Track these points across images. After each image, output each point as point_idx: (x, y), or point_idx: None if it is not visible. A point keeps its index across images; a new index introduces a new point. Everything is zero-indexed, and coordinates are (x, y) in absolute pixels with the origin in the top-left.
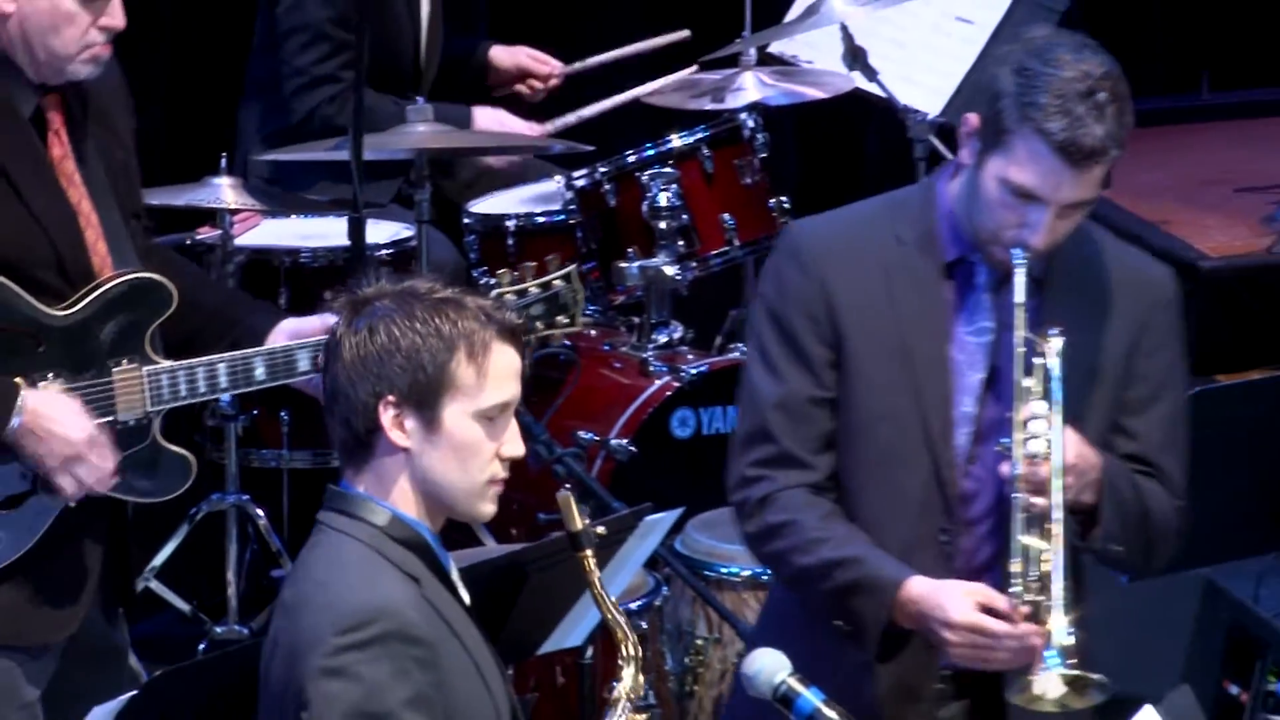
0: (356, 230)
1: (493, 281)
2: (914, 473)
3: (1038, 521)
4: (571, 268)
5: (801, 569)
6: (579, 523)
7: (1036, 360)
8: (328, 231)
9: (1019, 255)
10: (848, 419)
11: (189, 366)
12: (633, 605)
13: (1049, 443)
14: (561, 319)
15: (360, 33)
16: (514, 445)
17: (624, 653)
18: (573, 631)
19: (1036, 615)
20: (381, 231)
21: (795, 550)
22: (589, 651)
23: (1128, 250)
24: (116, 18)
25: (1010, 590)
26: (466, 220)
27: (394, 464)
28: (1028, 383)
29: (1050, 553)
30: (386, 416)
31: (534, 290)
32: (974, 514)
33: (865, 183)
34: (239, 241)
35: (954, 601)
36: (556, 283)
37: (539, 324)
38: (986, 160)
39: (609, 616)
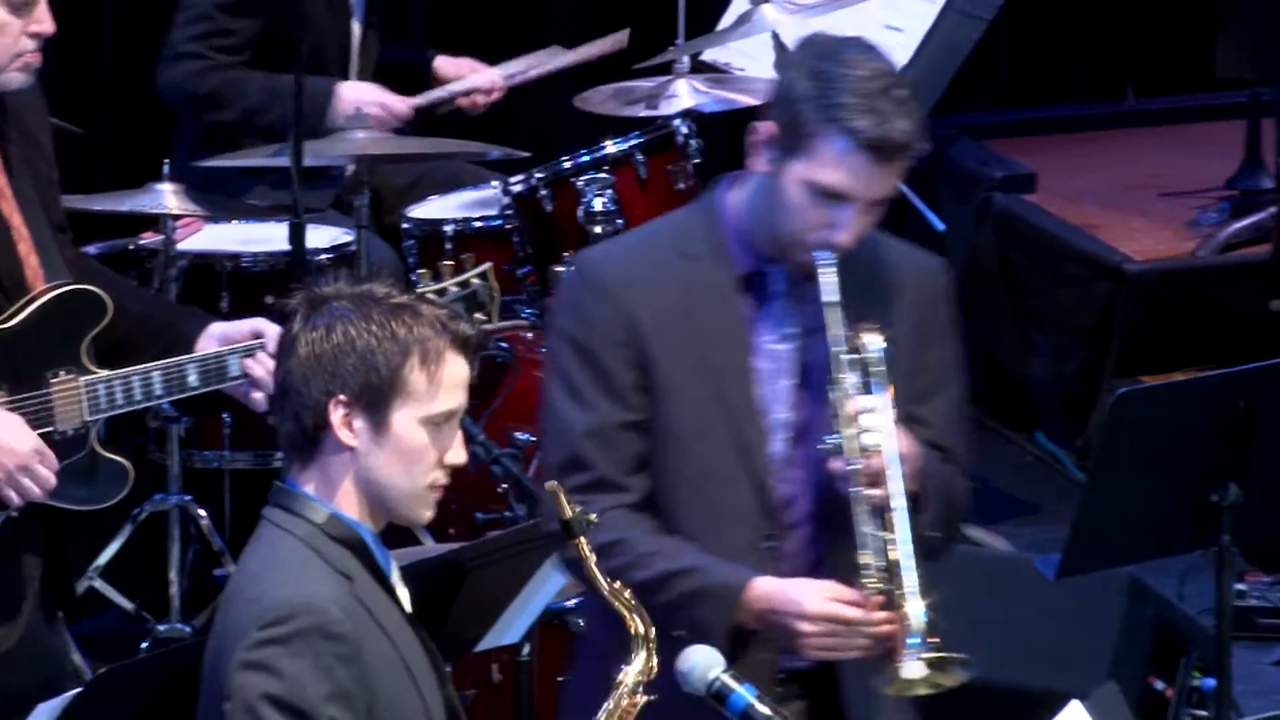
0: (297, 235)
1: (414, 278)
2: (732, 485)
3: (879, 512)
4: (487, 266)
5: (639, 584)
6: (569, 511)
7: (853, 356)
8: (269, 236)
9: (826, 256)
10: (662, 439)
11: (125, 376)
12: (569, 603)
13: (882, 434)
14: (479, 316)
15: (297, 43)
16: (457, 453)
17: (633, 633)
18: (510, 629)
19: (890, 603)
20: (321, 236)
21: (629, 567)
22: (526, 649)
23: (901, 244)
24: (46, 23)
25: (862, 581)
26: (405, 225)
27: (339, 463)
28: (850, 378)
29: (896, 541)
30: (336, 415)
31: (453, 289)
32: (796, 518)
33: None
34: (181, 246)
35: (807, 594)
36: (474, 281)
37: None
38: (787, 165)
39: (615, 597)
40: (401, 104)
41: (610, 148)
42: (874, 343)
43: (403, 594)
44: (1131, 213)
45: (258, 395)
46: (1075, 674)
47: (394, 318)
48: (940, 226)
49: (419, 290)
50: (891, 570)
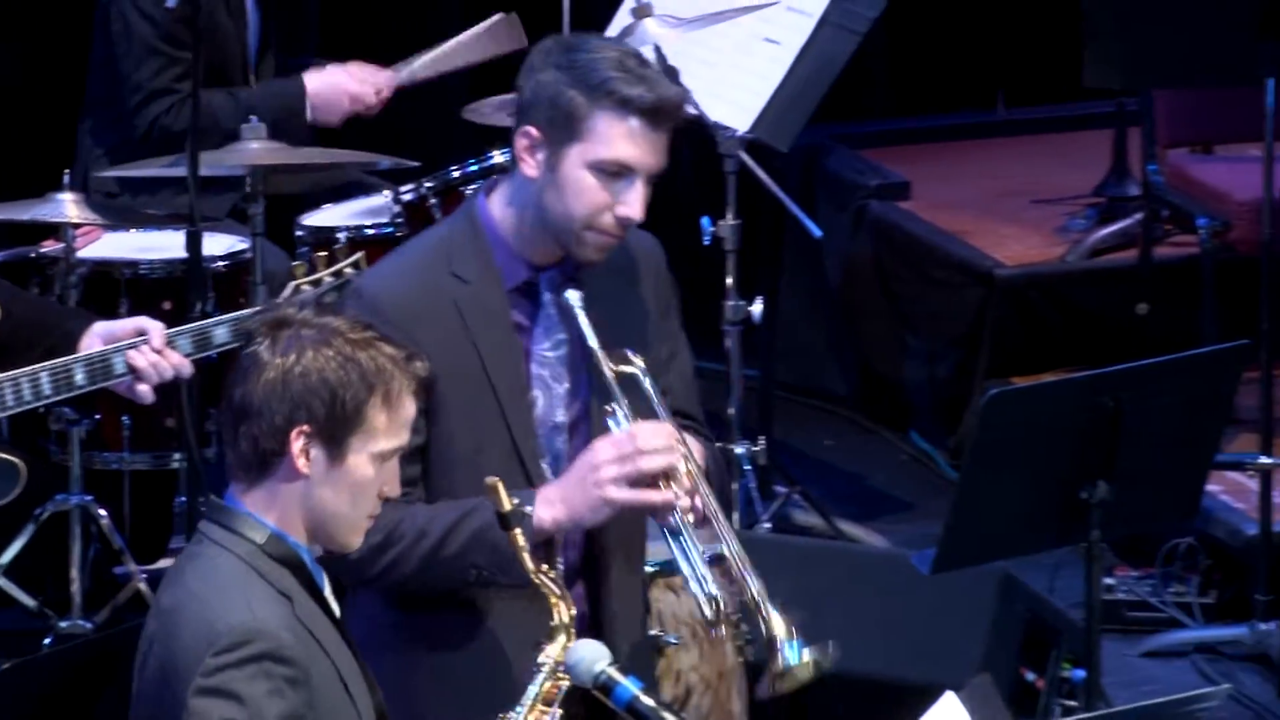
0: (193, 243)
1: (291, 266)
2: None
3: (702, 522)
4: (359, 254)
5: (425, 553)
6: (508, 504)
7: (622, 372)
8: (167, 244)
9: (577, 299)
10: (448, 454)
11: (14, 378)
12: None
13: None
14: None
15: (196, 52)
16: (394, 486)
17: (556, 619)
18: None
19: (750, 612)
20: (218, 244)
21: (412, 545)
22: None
23: None
24: None
25: (707, 595)
26: (299, 233)
27: (289, 489)
28: (622, 408)
29: (730, 549)
30: (297, 444)
31: (328, 279)
32: None
33: (679, 195)
34: (81, 254)
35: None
36: (348, 270)
37: None
38: (564, 155)
39: (542, 583)
40: (372, 92)
41: (498, 157)
42: (636, 366)
43: (334, 604)
44: (1002, 219)
45: (143, 388)
46: (950, 666)
47: (362, 353)
48: (817, 233)
49: (293, 284)
50: (732, 572)
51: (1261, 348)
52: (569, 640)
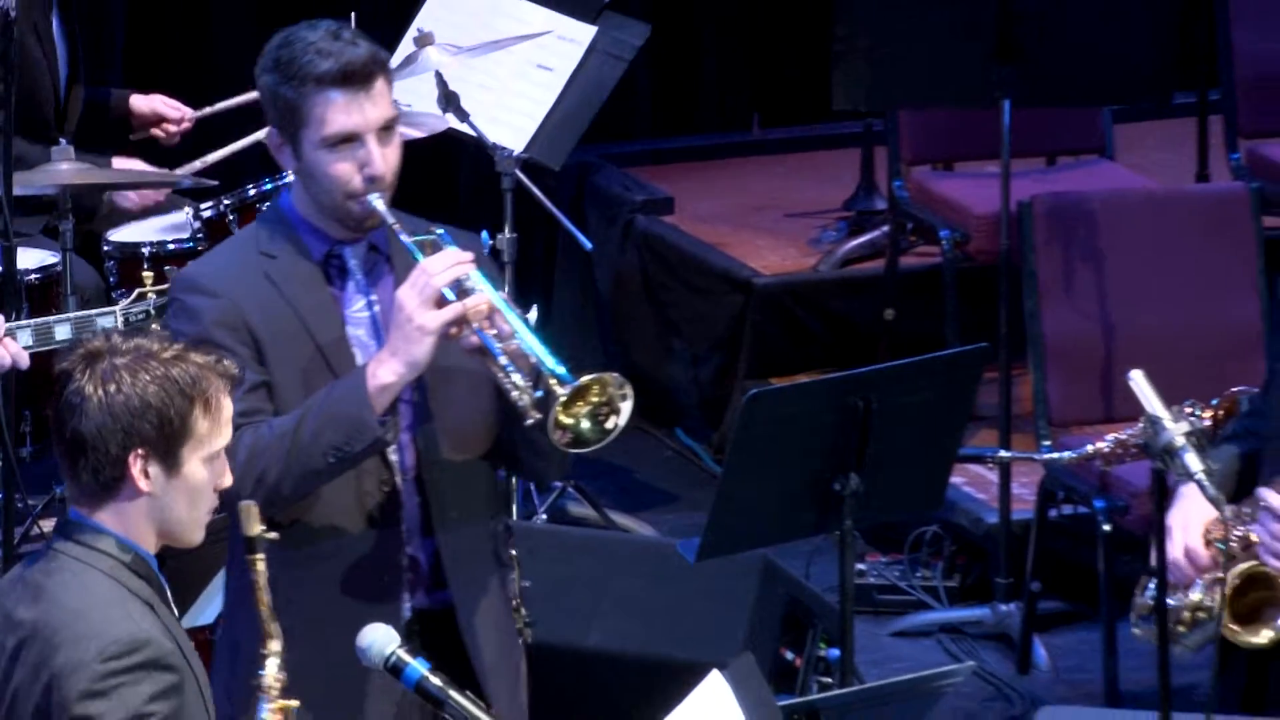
0: (7, 258)
1: (119, 294)
2: None
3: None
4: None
5: (286, 450)
6: (255, 529)
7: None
8: None
9: (370, 201)
10: (281, 407)
11: None
12: None
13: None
14: None
15: (7, 84)
16: (226, 479)
17: (267, 648)
18: (204, 611)
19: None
20: (31, 258)
21: (273, 448)
22: (219, 630)
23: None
24: None
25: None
26: (106, 248)
27: (134, 505)
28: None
29: (515, 340)
30: (135, 466)
31: (153, 296)
32: (408, 460)
33: (460, 210)
34: None
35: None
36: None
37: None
38: (300, 144)
39: (264, 611)
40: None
41: (290, 177)
42: (435, 233)
43: (173, 609)
44: (759, 232)
45: None
46: (715, 647)
47: (176, 370)
48: (588, 246)
49: (124, 305)
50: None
51: (999, 350)
52: (281, 665)
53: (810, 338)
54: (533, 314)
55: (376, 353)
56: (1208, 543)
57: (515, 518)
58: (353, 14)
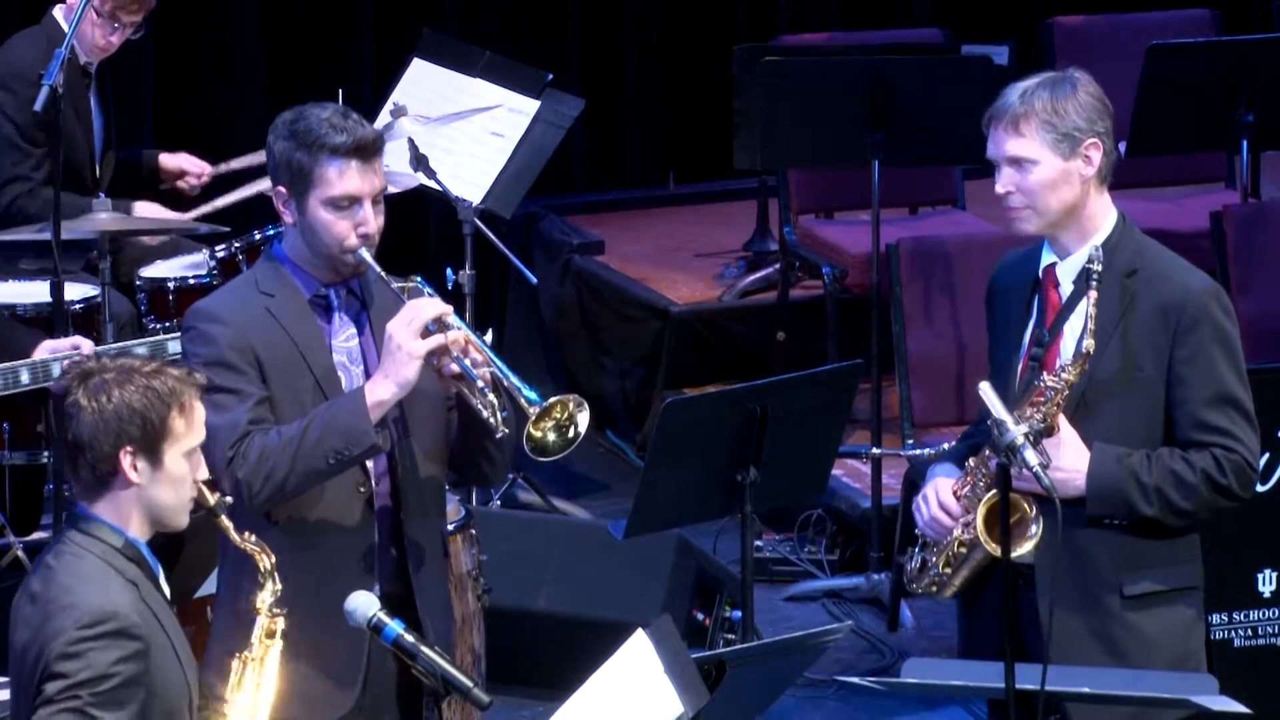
0: (57, 291)
1: (149, 320)
2: None
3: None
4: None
5: (292, 453)
6: (211, 500)
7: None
8: (35, 292)
9: (361, 253)
10: (279, 422)
11: None
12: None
13: (479, 349)
14: None
15: (55, 147)
16: (203, 470)
17: (262, 569)
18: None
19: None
20: (75, 291)
21: (280, 452)
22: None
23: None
24: None
25: (488, 403)
26: (138, 283)
27: (126, 495)
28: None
29: (488, 368)
30: (125, 462)
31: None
32: (379, 469)
33: (429, 252)
34: None
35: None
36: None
37: None
38: (306, 202)
39: (245, 547)
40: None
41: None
42: (414, 281)
43: (165, 588)
44: (674, 268)
45: None
46: (639, 609)
47: (154, 380)
48: (534, 280)
49: (152, 337)
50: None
51: (872, 366)
52: (275, 586)
53: (716, 356)
54: (488, 337)
55: (360, 376)
56: (958, 497)
57: (475, 504)
58: (339, 90)
